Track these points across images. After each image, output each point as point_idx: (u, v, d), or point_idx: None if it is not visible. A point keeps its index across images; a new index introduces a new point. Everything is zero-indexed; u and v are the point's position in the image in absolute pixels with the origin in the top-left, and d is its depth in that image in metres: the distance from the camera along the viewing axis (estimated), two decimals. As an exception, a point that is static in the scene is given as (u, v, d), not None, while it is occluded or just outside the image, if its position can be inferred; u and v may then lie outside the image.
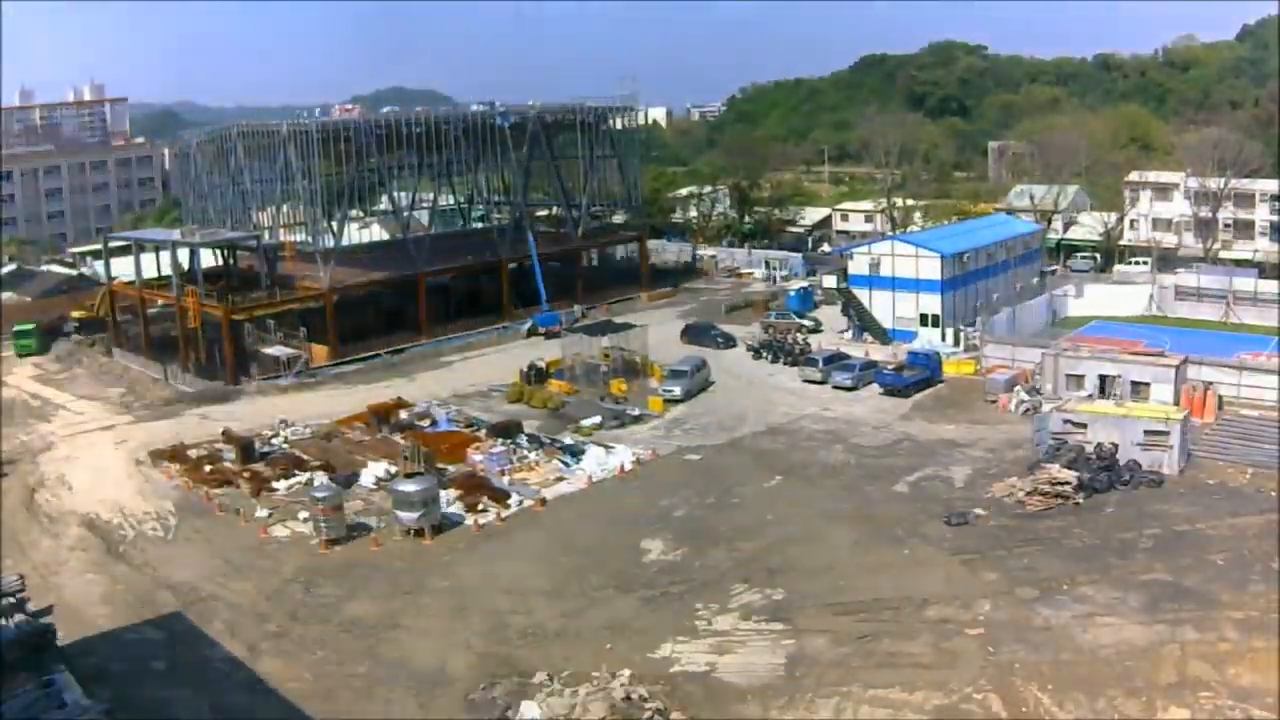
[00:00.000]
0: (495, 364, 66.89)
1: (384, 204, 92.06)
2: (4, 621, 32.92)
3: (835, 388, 59.02)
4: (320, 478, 46.97)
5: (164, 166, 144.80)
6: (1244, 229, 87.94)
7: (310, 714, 29.99)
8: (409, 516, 41.61)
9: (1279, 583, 34.39)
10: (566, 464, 49.01)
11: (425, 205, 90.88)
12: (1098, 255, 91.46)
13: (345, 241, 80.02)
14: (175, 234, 79.76)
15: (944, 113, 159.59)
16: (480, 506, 44.14)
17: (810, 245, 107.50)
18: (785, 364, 64.72)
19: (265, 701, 30.70)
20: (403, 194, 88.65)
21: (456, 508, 43.95)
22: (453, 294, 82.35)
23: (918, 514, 42.05)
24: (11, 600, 34.90)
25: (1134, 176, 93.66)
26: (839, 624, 33.46)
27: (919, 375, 58.70)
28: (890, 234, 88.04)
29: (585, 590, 36.69)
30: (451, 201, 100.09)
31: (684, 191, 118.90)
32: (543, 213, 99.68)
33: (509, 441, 51.24)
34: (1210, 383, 52.36)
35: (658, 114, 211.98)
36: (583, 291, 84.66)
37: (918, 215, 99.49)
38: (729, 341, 70.15)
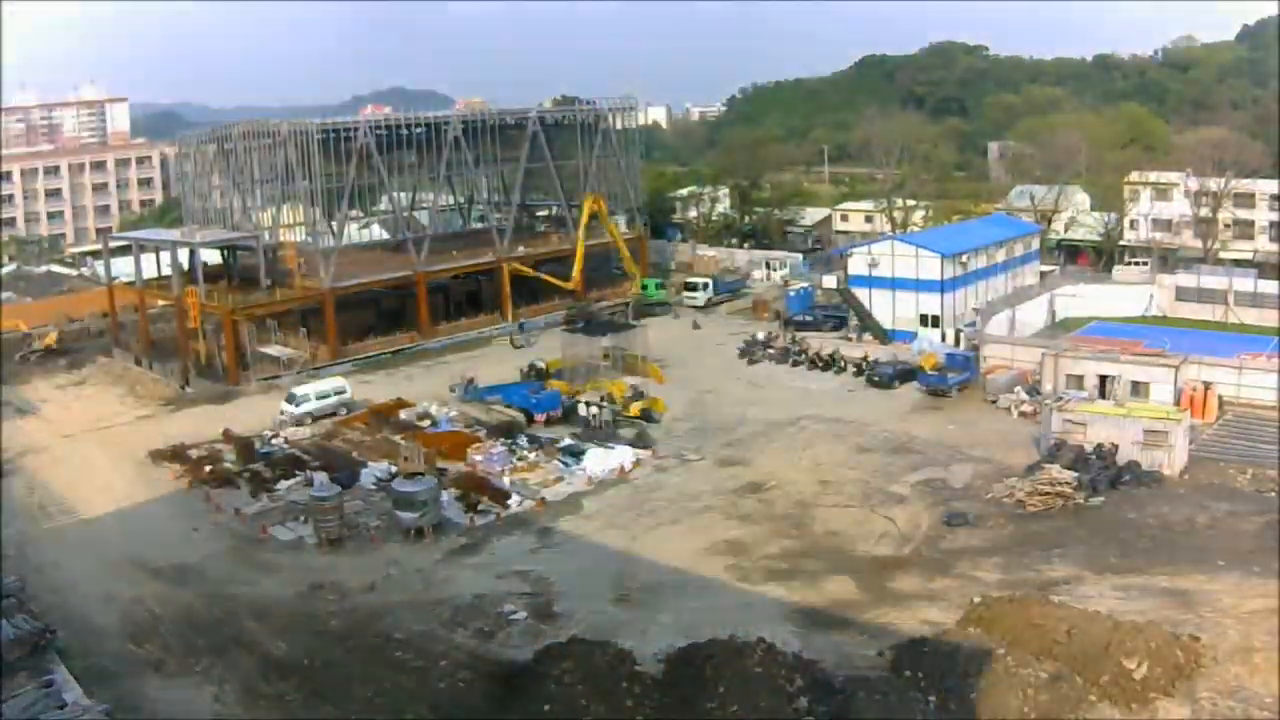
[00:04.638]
0: (496, 364, 66.82)
1: (384, 204, 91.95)
2: (4, 622, 32.96)
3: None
4: (320, 478, 46.98)
5: (164, 166, 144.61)
6: (1244, 229, 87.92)
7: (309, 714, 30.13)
8: (409, 517, 41.66)
9: (1279, 583, 34.42)
10: (567, 464, 49.01)
11: (425, 206, 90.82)
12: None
13: (345, 241, 79.96)
14: (175, 234, 79.76)
15: (944, 113, 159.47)
16: (480, 506, 44.20)
17: (809, 245, 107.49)
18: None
19: (261, 704, 30.79)
20: (402, 194, 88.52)
21: (456, 508, 44.06)
22: (453, 294, 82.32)
23: (919, 514, 42.08)
24: (12, 600, 35.00)
25: (1134, 177, 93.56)
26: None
27: (962, 376, 58.86)
28: (891, 234, 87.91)
29: (592, 590, 36.75)
30: (451, 202, 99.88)
31: (684, 192, 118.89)
32: (543, 213, 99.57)
33: (509, 442, 51.28)
34: (1210, 383, 52.38)
35: (658, 114, 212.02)
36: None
37: (918, 215, 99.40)
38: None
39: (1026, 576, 36.06)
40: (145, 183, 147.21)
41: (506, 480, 46.87)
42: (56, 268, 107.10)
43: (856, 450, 49.90)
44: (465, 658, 32.37)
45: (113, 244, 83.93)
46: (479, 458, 49.00)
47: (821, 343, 67.80)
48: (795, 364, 65.21)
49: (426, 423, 55.35)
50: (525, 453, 50.33)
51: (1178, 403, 49.92)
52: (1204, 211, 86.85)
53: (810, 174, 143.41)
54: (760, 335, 70.65)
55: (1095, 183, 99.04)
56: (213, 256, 79.24)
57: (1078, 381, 52.92)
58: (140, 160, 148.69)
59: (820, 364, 64.57)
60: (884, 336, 69.78)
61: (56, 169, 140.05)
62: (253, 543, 42.20)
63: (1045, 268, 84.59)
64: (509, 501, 44.63)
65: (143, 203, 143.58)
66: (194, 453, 52.15)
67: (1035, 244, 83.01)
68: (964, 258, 71.41)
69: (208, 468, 49.81)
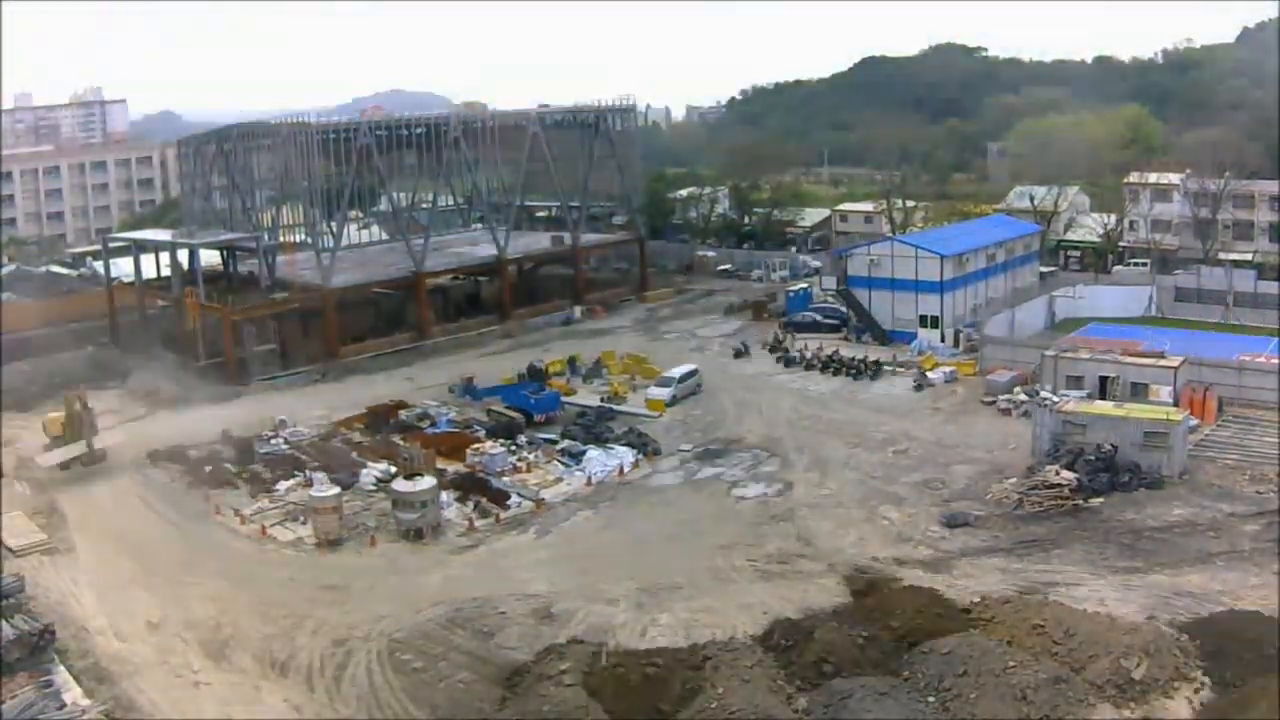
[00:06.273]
0: (496, 365, 66.78)
1: (383, 205, 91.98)
2: (4, 622, 32.96)
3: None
4: (319, 478, 46.94)
5: (164, 167, 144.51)
6: (1243, 230, 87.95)
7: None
8: (408, 517, 41.64)
9: (1279, 582, 34.43)
10: (566, 465, 48.99)
11: (425, 206, 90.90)
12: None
13: (345, 242, 79.98)
14: (175, 234, 79.72)
15: (944, 114, 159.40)
16: (479, 507, 44.11)
17: (808, 246, 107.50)
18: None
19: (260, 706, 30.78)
20: (402, 195, 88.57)
21: (455, 509, 44.03)
22: (452, 295, 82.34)
23: (918, 515, 42.07)
24: (11, 601, 35.01)
25: (1134, 178, 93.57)
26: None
27: None
28: (890, 235, 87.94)
29: (591, 591, 36.76)
30: (451, 202, 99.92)
31: (684, 193, 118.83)
32: (542, 214, 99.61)
33: (508, 442, 51.25)
34: (1210, 384, 52.38)
35: (657, 115, 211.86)
36: (582, 293, 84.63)
37: (918, 216, 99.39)
38: None
39: (1026, 577, 36.06)
40: (145, 183, 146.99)
41: (505, 481, 46.85)
42: (56, 268, 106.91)
43: (856, 451, 49.88)
44: (465, 658, 32.40)
45: (112, 244, 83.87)
46: (478, 458, 49.00)
47: (821, 343, 67.78)
48: (793, 364, 65.16)
49: (426, 423, 55.35)
50: (524, 454, 50.32)
51: (1177, 404, 49.91)
52: (1203, 213, 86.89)
53: (810, 175, 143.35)
54: (759, 338, 70.61)
55: (1095, 184, 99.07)
56: (213, 257, 79.19)
57: (1077, 382, 52.92)
58: (140, 160, 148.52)
59: (819, 365, 64.55)
60: (883, 337, 69.79)
61: (56, 169, 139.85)
62: (252, 543, 42.14)
63: (1045, 269, 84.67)
64: (508, 502, 44.59)
65: (142, 203, 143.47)
66: (193, 453, 52.09)
67: (1035, 245, 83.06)
68: (964, 258, 71.44)
69: (206, 468, 49.79)
